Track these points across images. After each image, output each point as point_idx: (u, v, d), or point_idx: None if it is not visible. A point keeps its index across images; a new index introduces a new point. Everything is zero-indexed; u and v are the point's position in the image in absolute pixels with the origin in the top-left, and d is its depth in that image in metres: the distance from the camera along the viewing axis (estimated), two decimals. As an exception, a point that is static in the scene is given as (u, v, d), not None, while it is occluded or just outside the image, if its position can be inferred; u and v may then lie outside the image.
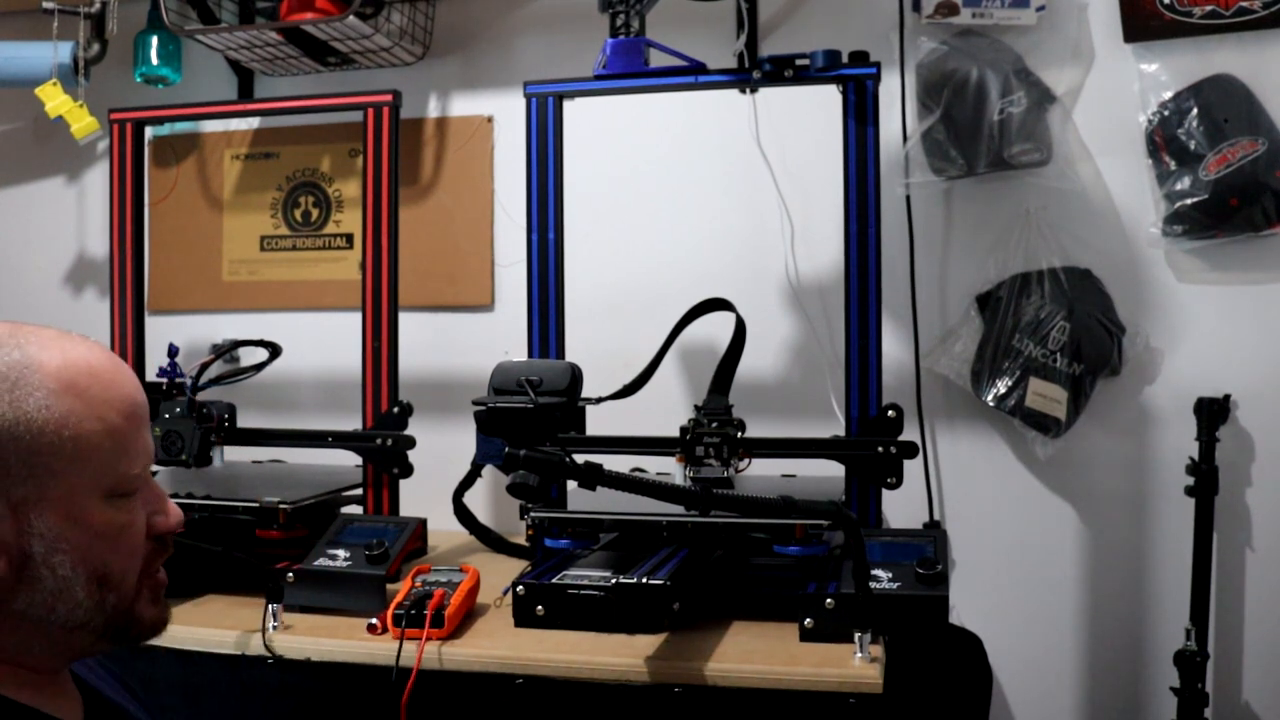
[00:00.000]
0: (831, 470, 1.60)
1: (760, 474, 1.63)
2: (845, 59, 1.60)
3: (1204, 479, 1.82)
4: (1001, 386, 1.92)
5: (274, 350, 1.89)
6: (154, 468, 0.94)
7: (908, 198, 1.98)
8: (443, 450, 1.85)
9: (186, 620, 1.46)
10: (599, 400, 1.60)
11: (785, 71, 1.61)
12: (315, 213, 2.31)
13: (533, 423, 1.30)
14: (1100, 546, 1.98)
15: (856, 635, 1.28)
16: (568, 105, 1.73)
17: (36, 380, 0.81)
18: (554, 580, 1.35)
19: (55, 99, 2.10)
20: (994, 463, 2.01)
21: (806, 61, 1.60)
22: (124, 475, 0.85)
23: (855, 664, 1.26)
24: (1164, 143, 1.89)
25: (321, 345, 2.22)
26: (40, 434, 0.81)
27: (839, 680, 1.24)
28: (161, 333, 2.12)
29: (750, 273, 2.07)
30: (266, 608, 1.43)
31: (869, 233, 1.60)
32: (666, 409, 1.88)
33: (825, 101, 1.68)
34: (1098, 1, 1.94)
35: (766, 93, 1.97)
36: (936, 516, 2.00)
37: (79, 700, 0.91)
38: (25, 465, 0.80)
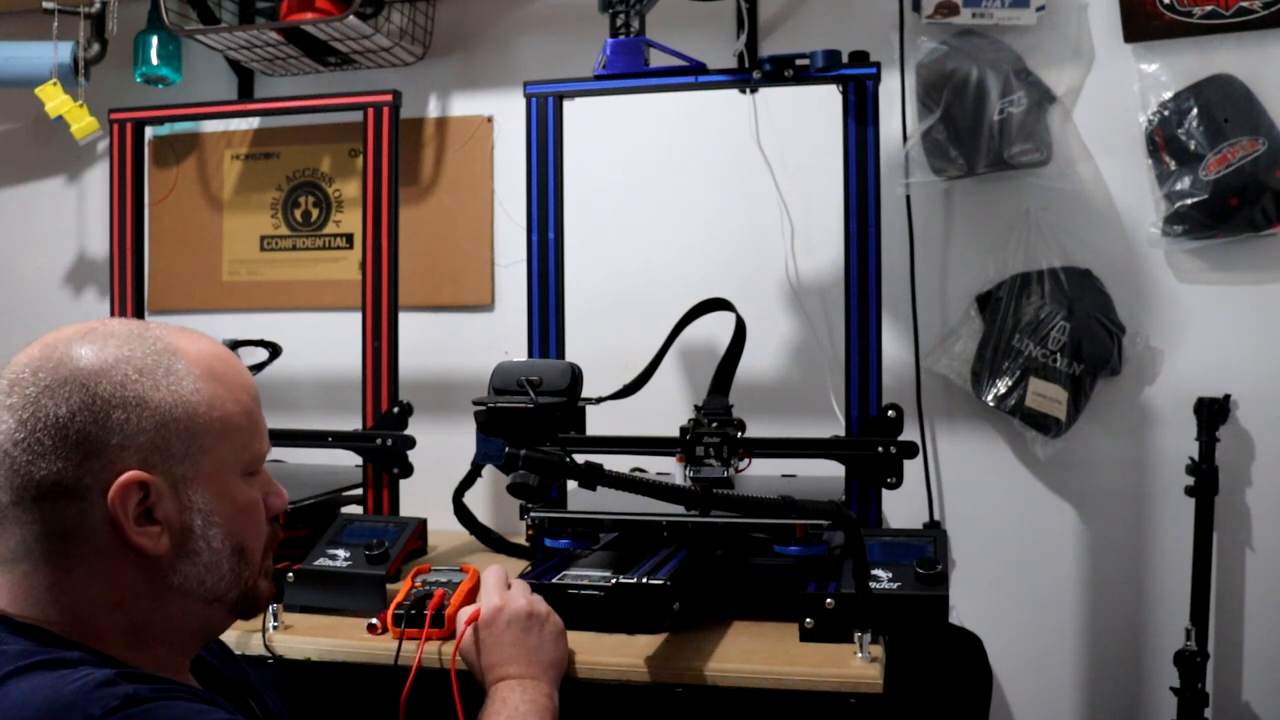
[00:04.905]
0: (831, 470, 1.60)
1: (760, 474, 1.63)
2: (845, 59, 1.60)
3: (1204, 479, 1.82)
4: (1001, 386, 1.92)
5: (274, 350, 1.89)
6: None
7: (908, 198, 1.98)
8: (443, 450, 1.84)
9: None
10: (599, 400, 1.60)
11: (785, 71, 1.61)
12: (315, 213, 2.31)
13: (533, 423, 1.30)
14: (1100, 546, 1.98)
15: (856, 635, 1.27)
16: (568, 105, 1.73)
17: (184, 367, 0.89)
18: (554, 580, 1.35)
19: (55, 99, 2.10)
20: (994, 463, 2.01)
21: (806, 61, 1.60)
22: (257, 453, 0.94)
23: (855, 664, 1.26)
24: (1164, 143, 1.89)
25: (321, 345, 2.22)
26: (195, 414, 0.88)
27: (839, 680, 1.24)
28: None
29: (750, 273, 2.07)
30: (266, 608, 1.43)
31: (869, 233, 1.59)
32: (666, 409, 1.88)
33: (825, 101, 1.68)
34: (1098, 1, 1.94)
35: (766, 93, 1.97)
36: (936, 516, 2.00)
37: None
38: (184, 444, 0.87)
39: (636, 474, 1.35)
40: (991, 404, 1.93)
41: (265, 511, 0.96)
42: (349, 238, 2.29)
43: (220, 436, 0.89)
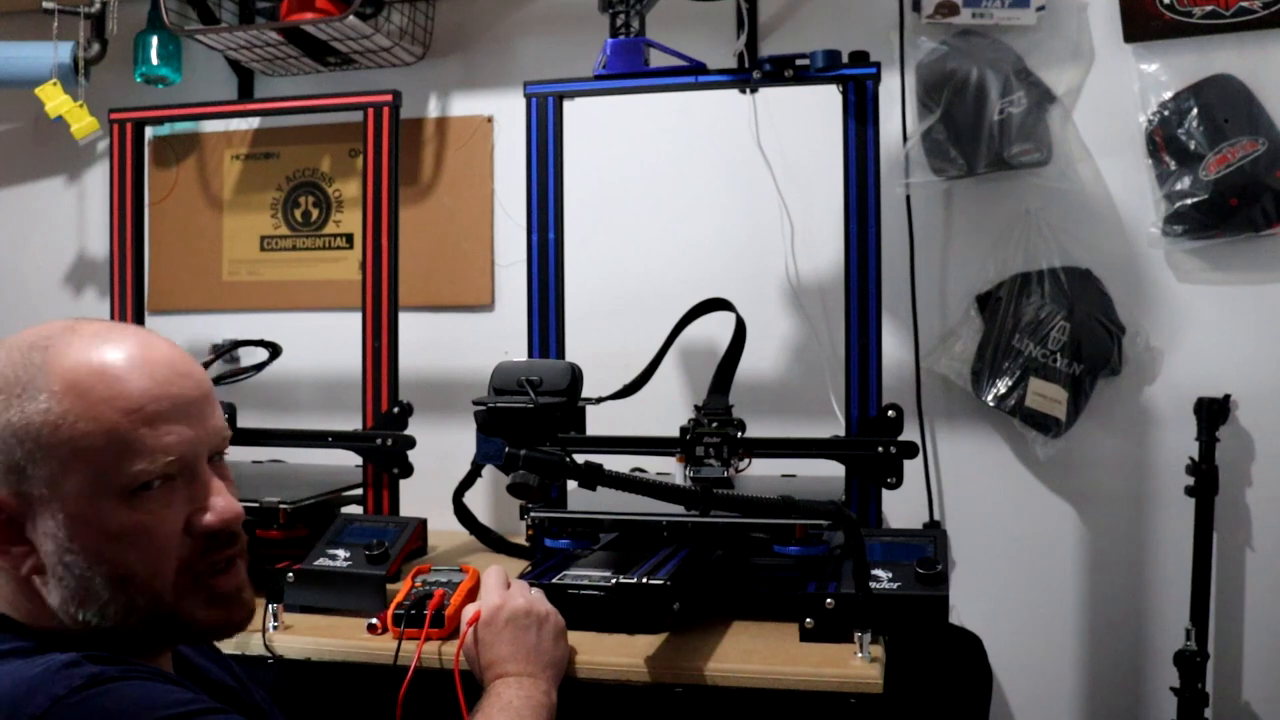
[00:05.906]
0: (831, 470, 1.60)
1: (760, 474, 1.63)
2: (845, 59, 1.60)
3: (1204, 479, 1.82)
4: (1001, 386, 1.92)
5: (274, 350, 1.89)
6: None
7: (908, 198, 1.98)
8: (443, 450, 1.84)
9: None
10: (599, 400, 1.60)
11: (785, 71, 1.61)
12: (315, 213, 2.31)
13: (533, 423, 1.30)
14: (1100, 546, 1.98)
15: (856, 635, 1.27)
16: (568, 105, 1.73)
17: (43, 383, 0.83)
18: (554, 580, 1.35)
19: (55, 99, 2.10)
20: (994, 463, 2.01)
21: (806, 61, 1.60)
22: (133, 474, 0.84)
23: (855, 664, 1.26)
24: (1164, 143, 1.89)
25: (321, 345, 2.22)
26: (39, 436, 0.82)
27: (839, 680, 1.24)
28: (161, 332, 2.09)
29: (750, 273, 2.07)
30: (266, 608, 1.43)
31: (869, 233, 1.59)
32: (666, 409, 1.88)
33: (825, 101, 1.68)
34: (1098, 1, 1.94)
35: (766, 93, 1.97)
36: (936, 516, 2.00)
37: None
38: (33, 466, 0.83)
39: (636, 474, 1.35)
40: (991, 404, 1.93)
41: (186, 528, 0.87)
42: (349, 238, 2.29)
43: (69, 459, 0.83)
